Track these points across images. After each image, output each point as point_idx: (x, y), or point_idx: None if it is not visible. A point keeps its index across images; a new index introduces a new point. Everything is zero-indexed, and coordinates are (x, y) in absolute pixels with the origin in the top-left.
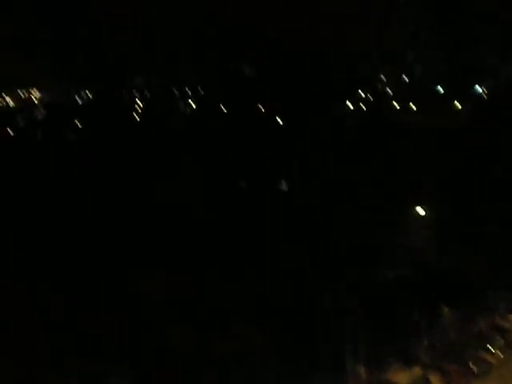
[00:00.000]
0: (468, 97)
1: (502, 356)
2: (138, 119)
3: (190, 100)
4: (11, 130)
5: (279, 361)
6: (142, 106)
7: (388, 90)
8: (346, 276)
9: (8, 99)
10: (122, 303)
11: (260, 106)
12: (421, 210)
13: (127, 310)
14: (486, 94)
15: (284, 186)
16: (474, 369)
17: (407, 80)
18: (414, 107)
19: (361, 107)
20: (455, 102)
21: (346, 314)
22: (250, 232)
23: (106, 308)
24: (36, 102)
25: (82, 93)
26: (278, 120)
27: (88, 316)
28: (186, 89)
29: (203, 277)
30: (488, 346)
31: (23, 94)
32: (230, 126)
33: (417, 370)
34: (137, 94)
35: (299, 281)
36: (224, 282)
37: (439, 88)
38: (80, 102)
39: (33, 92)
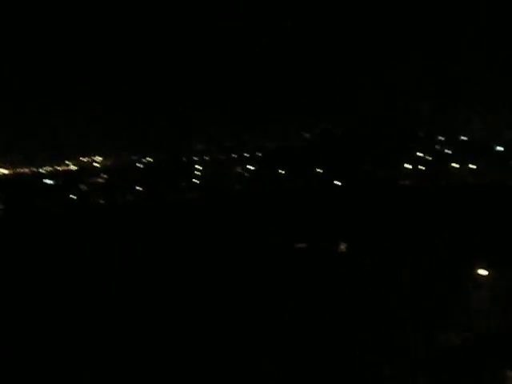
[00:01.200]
0: None
1: None
2: (198, 181)
3: (248, 164)
4: (73, 195)
5: None
6: (201, 169)
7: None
8: (411, 341)
9: (71, 165)
10: None
11: (318, 170)
12: (484, 271)
13: None
14: None
15: (343, 248)
16: None
17: (466, 139)
18: (473, 166)
19: (418, 168)
20: None
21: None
22: (310, 291)
23: None
24: (98, 166)
25: (143, 159)
26: (337, 182)
27: None
28: (245, 154)
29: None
30: None
31: (86, 159)
32: (288, 188)
33: None
34: (197, 159)
35: (359, 348)
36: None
37: (499, 147)
38: (141, 166)
39: (94, 157)
